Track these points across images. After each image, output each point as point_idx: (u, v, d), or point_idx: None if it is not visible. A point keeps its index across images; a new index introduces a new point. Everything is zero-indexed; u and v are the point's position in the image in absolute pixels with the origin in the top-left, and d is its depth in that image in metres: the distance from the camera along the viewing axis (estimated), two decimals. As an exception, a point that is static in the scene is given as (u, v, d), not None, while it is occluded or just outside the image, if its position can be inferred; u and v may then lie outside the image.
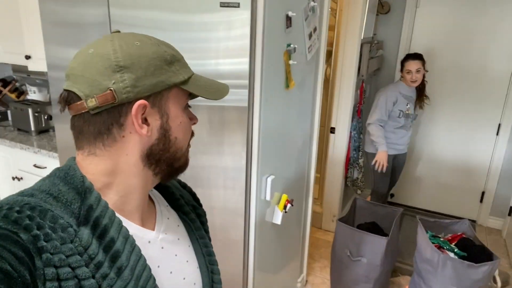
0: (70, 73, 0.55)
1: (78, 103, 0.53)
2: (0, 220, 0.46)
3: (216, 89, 0.63)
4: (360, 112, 3.02)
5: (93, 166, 0.56)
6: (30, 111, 2.38)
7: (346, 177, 3.18)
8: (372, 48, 2.94)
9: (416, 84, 2.68)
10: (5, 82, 2.79)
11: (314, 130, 2.19)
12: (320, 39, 2.04)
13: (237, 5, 1.37)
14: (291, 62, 1.66)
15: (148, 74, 0.54)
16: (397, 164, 2.92)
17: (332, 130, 2.97)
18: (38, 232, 0.46)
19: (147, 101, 0.55)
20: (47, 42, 1.73)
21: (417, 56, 2.64)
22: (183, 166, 0.64)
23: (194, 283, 0.68)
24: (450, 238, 2.36)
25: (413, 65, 2.62)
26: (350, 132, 2.95)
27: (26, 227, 0.46)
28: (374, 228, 2.53)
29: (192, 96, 0.62)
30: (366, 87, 3.08)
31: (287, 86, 1.69)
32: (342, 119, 2.90)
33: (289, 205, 1.84)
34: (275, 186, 1.74)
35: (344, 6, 2.70)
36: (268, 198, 1.68)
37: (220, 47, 1.41)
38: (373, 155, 2.75)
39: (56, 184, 0.53)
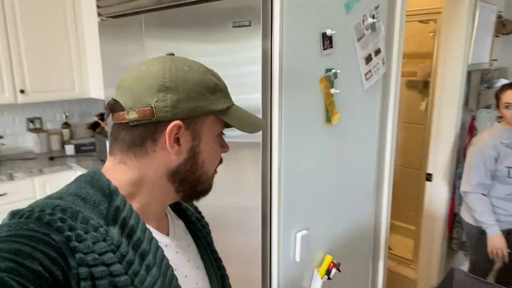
0: (120, 85, 0.59)
1: (121, 113, 0.56)
2: (32, 222, 0.47)
3: (252, 123, 0.64)
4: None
5: (120, 175, 0.59)
6: (107, 142, 2.54)
7: (450, 238, 2.51)
8: (485, 76, 2.34)
9: None
10: (103, 117, 3.10)
11: (385, 172, 1.76)
12: (390, 63, 1.66)
13: (248, 24, 1.16)
14: (332, 91, 1.35)
15: (189, 98, 0.57)
16: None
17: (429, 177, 2.40)
18: (70, 233, 0.48)
19: (183, 122, 0.57)
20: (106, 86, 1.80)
21: None
22: (206, 190, 0.65)
23: None
24: None
25: None
26: (454, 182, 2.34)
27: (58, 228, 0.47)
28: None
29: (227, 125, 0.64)
30: (478, 125, 2.43)
31: (329, 119, 1.37)
32: (442, 165, 2.32)
33: (334, 269, 1.46)
34: (313, 243, 1.40)
35: (444, 26, 2.22)
36: (297, 259, 1.34)
37: (228, 78, 1.21)
38: (472, 227, 2.08)
39: (82, 188, 0.55)
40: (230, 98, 0.64)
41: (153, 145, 0.57)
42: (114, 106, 0.58)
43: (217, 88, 0.60)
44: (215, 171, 0.66)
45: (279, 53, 1.15)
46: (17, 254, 0.42)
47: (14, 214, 0.49)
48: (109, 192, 0.55)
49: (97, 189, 0.55)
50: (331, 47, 1.32)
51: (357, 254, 1.72)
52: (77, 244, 0.48)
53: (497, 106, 2.00)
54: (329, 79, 1.34)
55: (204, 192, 0.65)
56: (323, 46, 1.29)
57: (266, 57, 1.16)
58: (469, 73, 2.25)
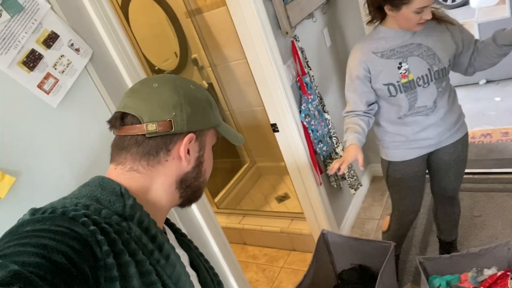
0: (132, 100, 0.62)
1: (137, 125, 0.60)
2: (58, 218, 0.48)
3: (237, 136, 0.74)
4: (305, 88, 1.94)
5: (132, 181, 0.61)
6: None
7: (328, 179, 2.19)
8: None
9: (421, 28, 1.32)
10: None
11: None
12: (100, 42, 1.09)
13: None
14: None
15: (199, 113, 0.64)
16: (436, 163, 1.62)
17: (275, 128, 1.98)
18: (95, 227, 0.49)
19: (195, 135, 0.64)
20: None
21: None
22: (199, 196, 0.71)
23: None
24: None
25: None
26: (302, 123, 1.93)
27: (83, 223, 0.49)
28: (361, 276, 1.57)
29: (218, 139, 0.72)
30: (303, 46, 1.97)
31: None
32: (281, 109, 1.89)
33: None
34: None
35: None
36: None
37: None
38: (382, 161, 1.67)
39: (94, 190, 0.58)
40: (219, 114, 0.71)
41: (166, 155, 0.62)
42: (125, 119, 0.61)
43: (214, 105, 0.69)
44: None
45: None
46: (44, 249, 0.43)
47: (36, 211, 0.51)
48: (121, 193, 0.58)
49: (108, 190, 0.58)
50: None
51: None
52: (102, 237, 0.49)
53: (388, 8, 1.28)
54: None
55: (198, 198, 0.71)
56: None
57: None
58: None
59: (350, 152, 1.35)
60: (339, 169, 1.32)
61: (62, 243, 0.44)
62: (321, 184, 2.08)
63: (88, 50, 1.04)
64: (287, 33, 1.83)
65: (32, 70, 0.91)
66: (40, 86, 0.92)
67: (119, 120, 0.62)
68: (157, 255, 0.57)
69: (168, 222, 0.77)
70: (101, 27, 1.10)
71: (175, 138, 0.62)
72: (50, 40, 0.95)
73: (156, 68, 2.77)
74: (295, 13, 1.86)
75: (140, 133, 0.60)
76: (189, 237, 0.80)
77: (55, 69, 0.96)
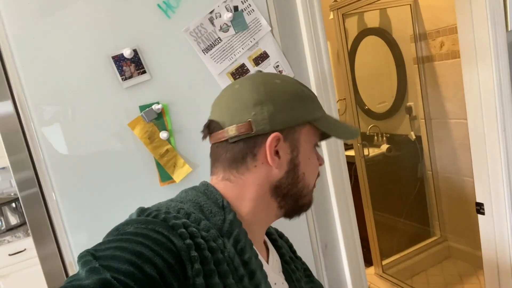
0: (216, 105, 0.61)
1: (220, 131, 0.57)
2: (159, 224, 0.48)
3: (347, 130, 0.64)
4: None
5: (226, 191, 0.58)
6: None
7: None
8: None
9: None
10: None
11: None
12: (302, 68, 1.11)
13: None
14: (164, 134, 0.93)
15: (285, 109, 0.57)
16: None
17: (480, 209, 1.59)
18: (190, 241, 0.48)
19: (281, 134, 0.57)
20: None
21: None
22: (307, 204, 0.64)
23: None
24: None
25: None
26: (521, 213, 1.49)
27: (181, 234, 0.48)
28: None
29: (323, 137, 0.64)
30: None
31: (167, 177, 0.95)
32: (496, 188, 1.51)
33: None
34: None
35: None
36: None
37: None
38: None
39: (200, 196, 0.56)
40: (322, 108, 0.63)
41: (254, 160, 0.57)
42: (211, 126, 0.59)
43: (309, 98, 0.61)
44: (314, 185, 0.64)
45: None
46: (140, 258, 0.43)
47: (142, 211, 0.51)
48: (223, 206, 0.56)
49: (211, 200, 0.56)
50: (143, 72, 0.91)
51: None
52: (196, 254, 0.47)
53: None
54: (149, 119, 0.92)
55: (305, 207, 0.63)
56: (122, 74, 0.89)
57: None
58: (517, 44, 1.43)
59: None
60: None
61: (157, 254, 0.44)
62: (527, 302, 1.55)
63: (290, 74, 1.08)
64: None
65: (236, 81, 1.01)
66: (237, 97, 1.02)
67: (206, 128, 0.60)
68: (246, 282, 0.52)
69: (275, 244, 0.71)
70: (309, 56, 1.12)
71: (259, 140, 0.56)
72: (260, 58, 1.04)
73: (366, 107, 2.72)
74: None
75: (224, 139, 0.57)
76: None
77: (255, 84, 1.03)
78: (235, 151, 0.57)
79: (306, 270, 0.76)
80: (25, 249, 2.17)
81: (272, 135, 0.56)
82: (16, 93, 0.82)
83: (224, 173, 0.59)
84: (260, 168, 0.57)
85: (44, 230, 0.83)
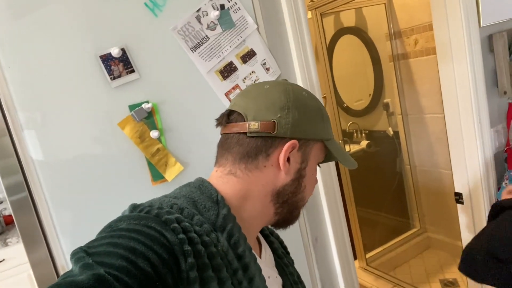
0: (241, 98, 0.61)
1: (241, 123, 0.58)
2: (151, 219, 0.48)
3: (349, 159, 0.66)
4: (513, 162, 1.55)
5: (229, 186, 0.58)
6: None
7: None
8: (522, 37, 1.53)
9: None
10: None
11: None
12: (289, 65, 1.13)
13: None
14: (154, 133, 0.92)
15: (307, 121, 0.59)
16: None
17: (459, 198, 1.66)
18: (184, 236, 0.48)
19: (298, 142, 0.59)
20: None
21: None
22: (296, 217, 0.65)
23: None
24: None
25: None
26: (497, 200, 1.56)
27: (174, 229, 0.48)
28: None
29: (325, 159, 0.66)
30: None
31: (159, 177, 0.94)
32: (473, 180, 1.57)
33: None
34: None
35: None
36: None
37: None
38: None
39: (194, 192, 0.57)
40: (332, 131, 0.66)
41: (265, 160, 0.58)
42: (231, 116, 0.60)
43: (327, 118, 0.63)
44: (306, 201, 0.65)
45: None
46: (133, 253, 0.43)
47: (135, 207, 0.51)
48: (217, 200, 0.56)
49: (205, 195, 0.56)
50: (132, 71, 0.90)
51: None
52: (189, 248, 0.47)
53: None
54: (139, 119, 0.91)
55: (294, 220, 0.65)
56: (111, 73, 0.88)
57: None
58: (489, 38, 1.50)
59: None
60: None
61: (151, 249, 0.44)
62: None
63: (277, 71, 1.09)
64: (505, 93, 1.52)
65: (225, 79, 1.02)
66: (227, 94, 1.02)
67: (226, 117, 0.61)
68: (240, 275, 0.53)
69: (267, 239, 0.72)
70: (295, 54, 1.14)
71: (276, 142, 0.58)
72: (248, 56, 1.05)
73: (345, 105, 2.77)
74: (522, 72, 1.53)
75: (242, 131, 0.58)
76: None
77: (244, 82, 1.04)
78: (251, 146, 0.58)
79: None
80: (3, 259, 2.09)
81: (291, 141, 0.57)
82: (3, 96, 0.80)
83: (233, 166, 0.59)
84: (269, 169, 0.58)
85: (35, 235, 0.80)
